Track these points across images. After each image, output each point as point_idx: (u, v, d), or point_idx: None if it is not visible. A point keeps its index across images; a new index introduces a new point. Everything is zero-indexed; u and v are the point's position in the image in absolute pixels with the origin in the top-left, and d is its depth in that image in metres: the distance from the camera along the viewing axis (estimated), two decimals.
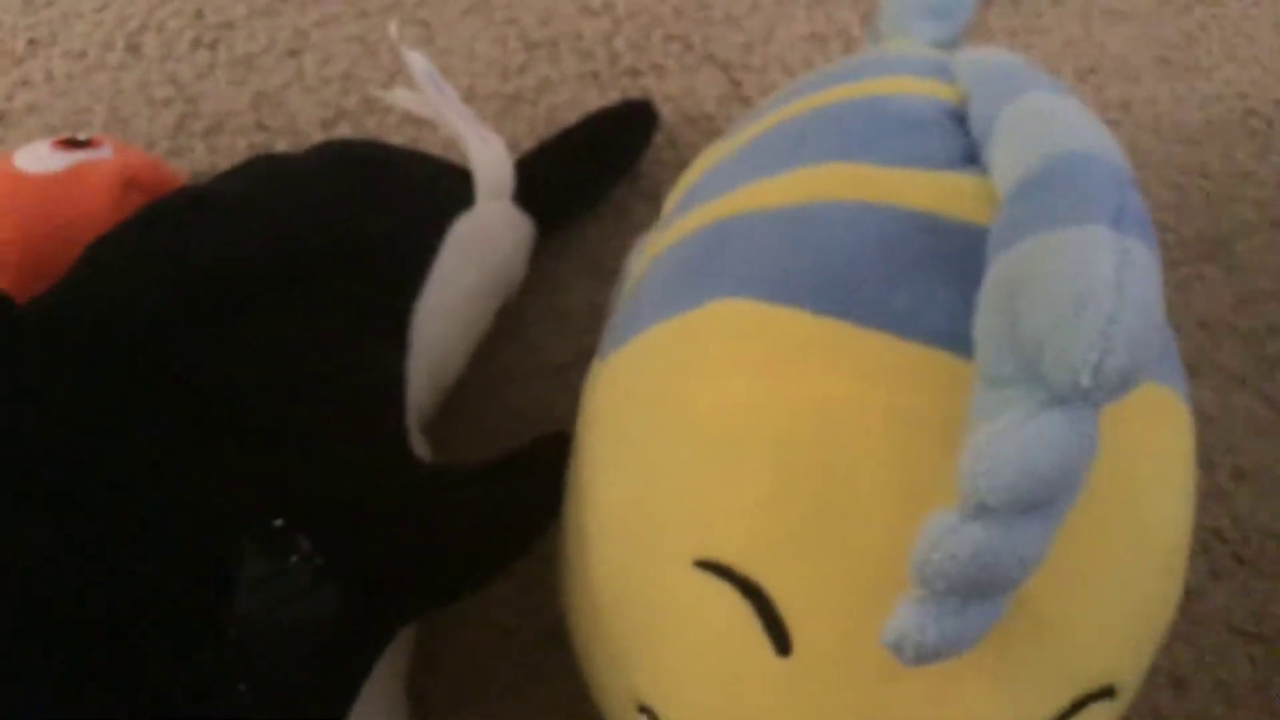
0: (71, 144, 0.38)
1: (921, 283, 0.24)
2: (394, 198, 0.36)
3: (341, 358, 0.31)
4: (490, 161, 0.39)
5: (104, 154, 0.38)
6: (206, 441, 0.27)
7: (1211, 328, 0.46)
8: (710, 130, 0.49)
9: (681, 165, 0.41)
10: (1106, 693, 0.25)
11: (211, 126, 0.48)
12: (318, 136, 0.48)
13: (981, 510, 0.19)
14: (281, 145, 0.47)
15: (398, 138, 0.48)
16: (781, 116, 0.31)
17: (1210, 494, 0.44)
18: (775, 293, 0.25)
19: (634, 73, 0.50)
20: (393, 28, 0.37)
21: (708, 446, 0.25)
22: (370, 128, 0.48)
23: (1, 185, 0.37)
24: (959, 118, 0.29)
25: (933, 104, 0.29)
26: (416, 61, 0.39)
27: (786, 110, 0.32)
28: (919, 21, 0.38)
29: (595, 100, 0.49)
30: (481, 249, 0.38)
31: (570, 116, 0.49)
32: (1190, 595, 0.42)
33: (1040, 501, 0.19)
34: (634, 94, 0.50)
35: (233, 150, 0.47)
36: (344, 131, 0.48)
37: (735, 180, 0.29)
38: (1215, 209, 0.48)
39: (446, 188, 0.38)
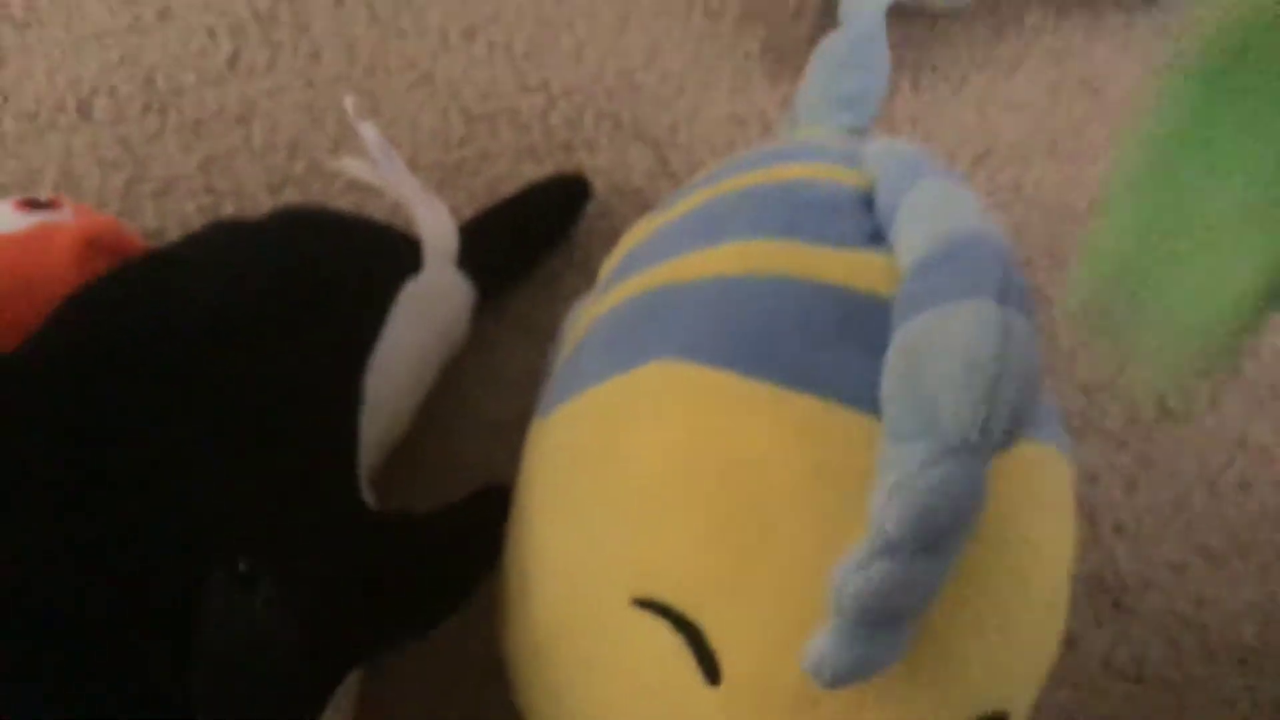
0: (33, 204, 0.39)
1: (838, 349, 0.27)
2: (350, 261, 0.38)
3: (302, 409, 0.33)
4: (438, 228, 0.42)
5: (65, 215, 0.39)
6: (179, 475, 0.29)
7: (1094, 393, 0.50)
8: (640, 203, 0.52)
9: (613, 235, 0.44)
10: (1000, 718, 0.28)
11: (161, 189, 0.49)
12: (265, 200, 0.49)
13: (887, 547, 0.22)
14: (229, 208, 0.49)
15: (343, 203, 0.50)
16: (710, 195, 0.35)
17: (1093, 545, 0.47)
18: (708, 356, 0.28)
19: (568, 148, 0.53)
20: (348, 101, 0.40)
21: (647, 494, 0.27)
22: (316, 193, 0.50)
23: None
24: (867, 201, 0.32)
25: (844, 189, 0.33)
26: (368, 132, 0.42)
27: (714, 189, 0.35)
28: (833, 111, 0.42)
29: (532, 172, 0.52)
30: (429, 311, 0.40)
31: (508, 187, 0.51)
32: (1075, 640, 0.45)
33: (937, 539, 0.23)
34: (568, 167, 0.53)
35: (182, 212, 0.49)
36: (291, 196, 0.50)
37: (668, 251, 0.32)
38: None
39: (396, 252, 0.41)
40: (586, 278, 0.49)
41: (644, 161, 0.53)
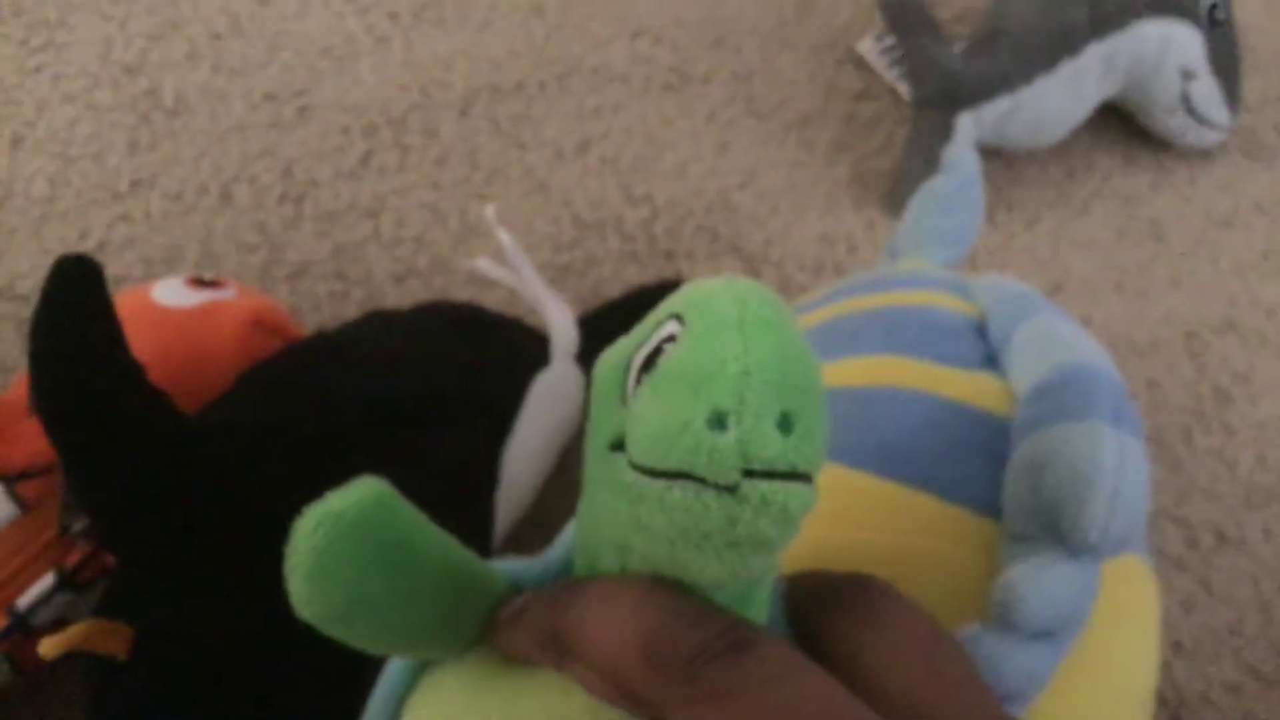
0: (201, 283, 0.43)
1: (961, 459, 0.30)
2: (493, 356, 0.42)
3: (452, 491, 0.37)
4: (563, 326, 0.46)
5: (230, 294, 0.43)
6: None
7: (1154, 519, 0.53)
8: None
9: None
10: None
11: (294, 272, 0.53)
12: (390, 289, 0.53)
13: (1003, 629, 0.25)
14: (357, 294, 0.53)
15: (461, 295, 0.54)
16: (833, 313, 0.38)
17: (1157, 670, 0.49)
18: (844, 457, 0.31)
19: (669, 255, 0.57)
20: (490, 210, 0.44)
21: None
22: (438, 285, 0.54)
23: (142, 316, 0.41)
24: (979, 329, 0.36)
25: (960, 316, 0.36)
26: (505, 237, 0.46)
27: (835, 308, 0.39)
28: (933, 246, 0.45)
29: (634, 276, 0.56)
30: (555, 400, 0.43)
31: (612, 289, 0.55)
32: None
33: (1051, 628, 0.25)
34: (668, 273, 0.56)
35: (314, 294, 0.53)
36: (414, 286, 0.54)
37: None
38: (1159, 416, 0.55)
39: (528, 347, 0.44)
40: None
41: (737, 273, 0.57)
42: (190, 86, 0.59)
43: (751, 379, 0.16)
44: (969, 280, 0.39)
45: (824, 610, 0.21)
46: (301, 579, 0.18)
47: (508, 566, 0.23)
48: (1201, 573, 0.52)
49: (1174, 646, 0.50)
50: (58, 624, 0.38)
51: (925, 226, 0.46)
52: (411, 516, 0.20)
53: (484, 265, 0.47)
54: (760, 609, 0.20)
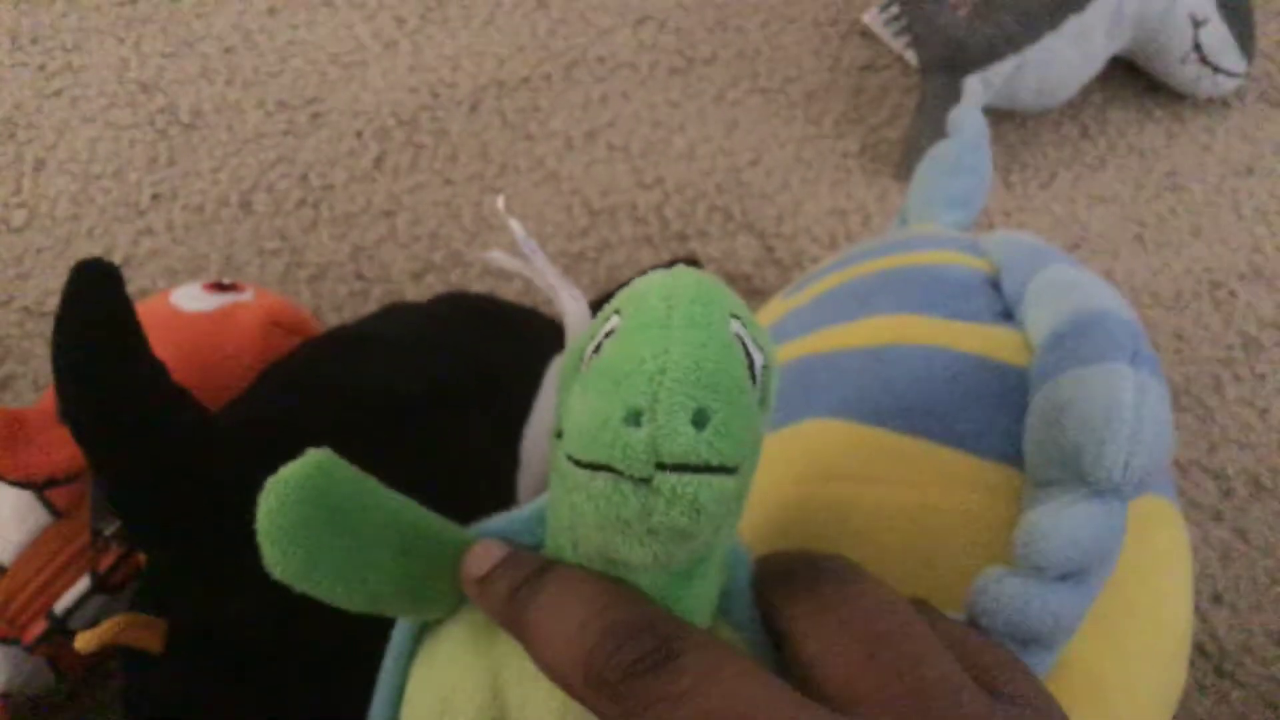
0: (220, 287, 0.44)
1: (980, 410, 0.30)
2: (510, 345, 0.42)
3: (476, 475, 0.37)
4: (577, 313, 0.46)
5: (248, 296, 0.44)
6: None
7: (1188, 470, 0.52)
8: (748, 289, 0.56)
9: None
10: None
11: (315, 274, 0.54)
12: (409, 285, 0.54)
13: (1028, 571, 0.25)
14: (377, 292, 0.54)
15: (478, 287, 0.54)
16: (844, 278, 0.38)
17: (1193, 615, 0.49)
18: (862, 415, 0.31)
19: (682, 237, 0.58)
20: (499, 200, 0.44)
21: (815, 545, 0.30)
22: (454, 279, 0.55)
23: (162, 321, 0.41)
24: (993, 284, 0.35)
25: (973, 272, 0.36)
26: (517, 227, 0.46)
27: (846, 273, 0.39)
28: (943, 210, 0.45)
29: (648, 260, 0.56)
30: None
31: (627, 273, 0.55)
32: (1180, 705, 0.47)
33: (1076, 570, 0.25)
34: (682, 255, 0.57)
35: (334, 295, 0.53)
36: (432, 281, 0.54)
37: (813, 324, 0.36)
38: (1188, 367, 0.55)
39: (543, 333, 0.44)
40: None
41: (751, 250, 0.57)
42: (205, 100, 0.60)
43: (666, 376, 0.17)
44: (980, 238, 0.39)
45: (779, 594, 0.21)
46: (264, 542, 0.20)
47: (499, 522, 0.24)
48: (1238, 522, 0.51)
49: (1214, 598, 0.50)
50: (93, 626, 0.39)
51: (934, 190, 0.46)
52: (357, 479, 0.22)
53: (497, 257, 0.47)
54: (701, 594, 0.21)
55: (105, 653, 0.34)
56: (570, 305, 0.46)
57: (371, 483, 0.22)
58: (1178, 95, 0.64)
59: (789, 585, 0.22)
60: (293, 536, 0.20)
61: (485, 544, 0.23)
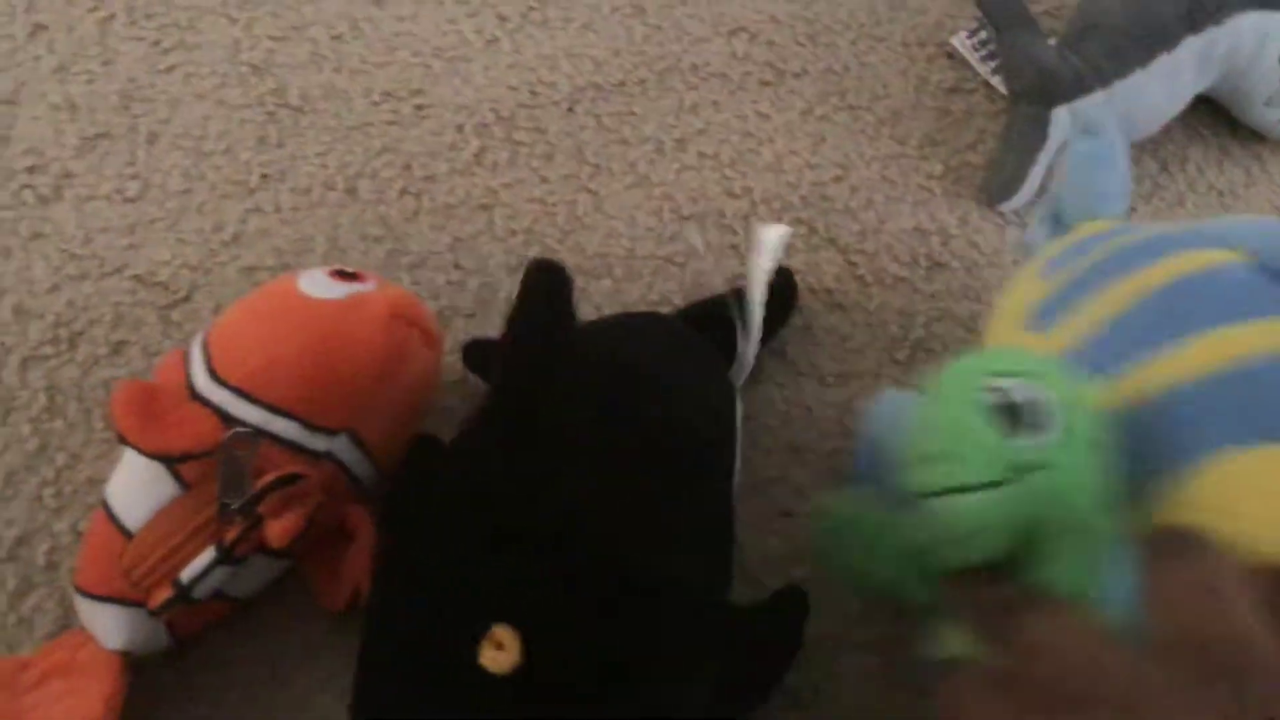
0: (344, 275, 0.45)
1: None
2: (709, 363, 0.48)
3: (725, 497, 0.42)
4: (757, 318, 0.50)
5: (371, 286, 0.45)
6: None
7: None
8: (829, 301, 0.58)
9: (805, 329, 0.53)
10: None
11: (416, 262, 0.56)
12: (504, 279, 0.56)
13: None
14: (473, 284, 0.56)
15: None
16: (1112, 303, 0.37)
17: None
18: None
19: None
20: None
21: None
22: None
23: (294, 309, 0.42)
24: (1266, 272, 0.35)
25: (1243, 267, 0.36)
26: (774, 232, 0.50)
27: (1111, 297, 0.37)
28: (1100, 205, 0.45)
29: (734, 268, 0.58)
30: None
31: (714, 280, 0.57)
32: None
33: None
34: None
35: (433, 283, 0.56)
36: None
37: (1123, 357, 0.35)
38: None
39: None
40: (784, 364, 0.55)
41: (834, 266, 0.59)
42: (314, 85, 0.62)
43: None
44: (1200, 229, 0.39)
45: (1146, 558, 0.27)
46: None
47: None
48: None
49: None
50: (216, 596, 0.41)
51: (1089, 186, 0.46)
52: (864, 516, 0.38)
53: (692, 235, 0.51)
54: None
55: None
56: (755, 309, 0.50)
57: (878, 514, 0.37)
58: (1258, 136, 0.65)
59: (1150, 549, 0.27)
60: (830, 552, 0.39)
61: None
